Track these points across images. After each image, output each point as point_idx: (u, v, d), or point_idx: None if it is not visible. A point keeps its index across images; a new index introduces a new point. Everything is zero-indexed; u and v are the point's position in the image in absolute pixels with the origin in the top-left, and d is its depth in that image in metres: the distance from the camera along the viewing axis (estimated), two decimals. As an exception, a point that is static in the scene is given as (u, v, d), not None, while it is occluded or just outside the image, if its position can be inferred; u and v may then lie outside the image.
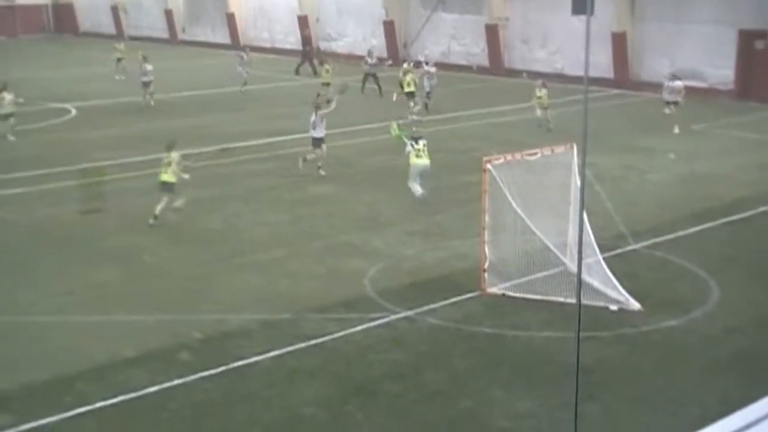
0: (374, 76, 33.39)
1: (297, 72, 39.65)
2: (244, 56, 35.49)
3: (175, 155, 17.64)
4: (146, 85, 31.40)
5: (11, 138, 25.22)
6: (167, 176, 17.54)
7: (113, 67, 38.63)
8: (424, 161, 18.67)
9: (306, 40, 43.27)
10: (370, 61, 33.97)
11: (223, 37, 51.26)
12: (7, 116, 25.34)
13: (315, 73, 38.09)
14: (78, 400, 10.54)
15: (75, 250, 16.10)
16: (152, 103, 31.09)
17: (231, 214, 18.35)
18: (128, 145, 24.50)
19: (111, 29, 57.78)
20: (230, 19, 50.39)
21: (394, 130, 19.13)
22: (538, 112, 26.69)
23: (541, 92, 26.80)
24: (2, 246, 16.48)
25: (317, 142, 21.06)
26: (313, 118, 21.07)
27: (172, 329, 12.54)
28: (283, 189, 20.05)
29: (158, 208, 17.27)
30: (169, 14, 53.99)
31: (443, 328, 12.55)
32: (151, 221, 17.18)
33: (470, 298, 13.57)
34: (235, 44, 50.14)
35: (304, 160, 21.06)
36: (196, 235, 16.99)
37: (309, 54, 40.86)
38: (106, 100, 32.87)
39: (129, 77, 35.75)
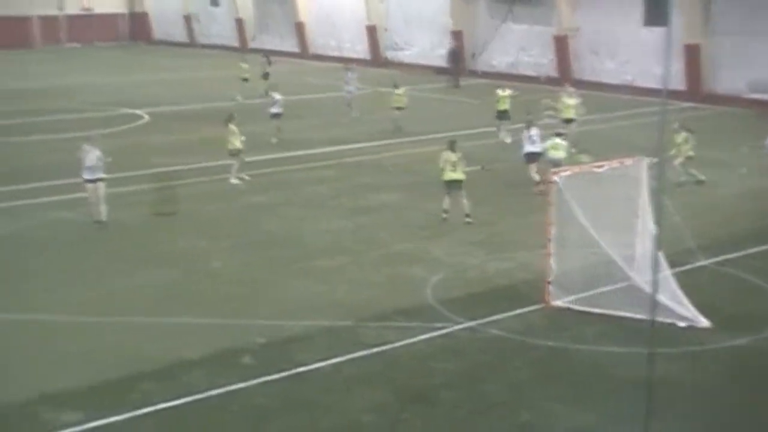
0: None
1: (456, 85, 38.98)
2: (350, 74, 32.36)
3: (459, 154, 18.03)
4: (275, 117, 26.73)
5: (236, 181, 21.38)
6: (457, 174, 17.90)
7: (237, 86, 34.57)
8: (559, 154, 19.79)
9: (455, 54, 40.86)
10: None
11: (291, 45, 51.77)
12: (235, 153, 21.51)
13: (456, 87, 38.49)
14: (142, 399, 10.69)
15: (142, 253, 16.35)
16: (274, 140, 26.14)
17: (294, 220, 18.46)
18: (197, 151, 24.83)
19: (183, 38, 58.88)
20: (299, 27, 50.88)
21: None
22: (677, 162, 20.97)
23: (680, 137, 21.13)
24: (70, 247, 16.83)
25: (533, 156, 20.59)
26: (529, 132, 20.65)
27: (234, 333, 12.64)
28: (344, 196, 20.10)
29: (447, 203, 17.95)
30: (239, 23, 54.76)
31: (505, 339, 12.42)
32: (444, 215, 17.90)
33: (533, 310, 13.42)
34: (303, 52, 50.65)
35: (540, 185, 19.20)
36: (258, 240, 17.13)
37: (457, 68, 39.85)
38: (178, 106, 33.43)
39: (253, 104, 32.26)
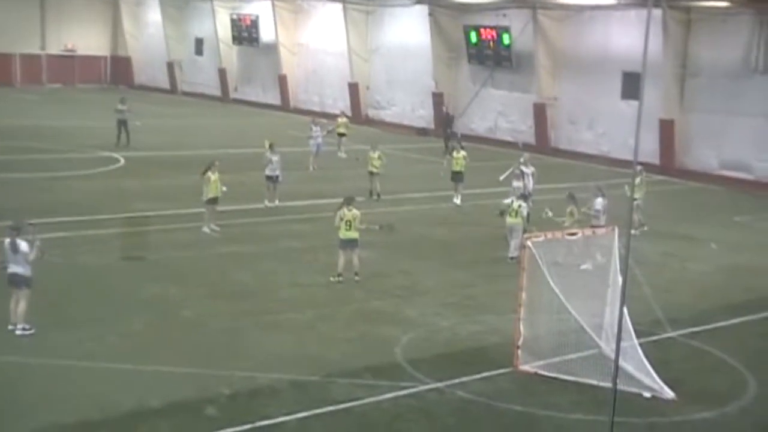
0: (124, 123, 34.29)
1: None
2: (313, 128, 32.01)
3: (356, 212, 17.74)
4: (271, 180, 24.50)
5: (208, 230, 21.16)
6: (352, 233, 17.70)
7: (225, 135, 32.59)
8: (513, 220, 19.82)
9: (446, 119, 40.32)
10: (121, 107, 34.63)
11: (273, 98, 52.11)
12: (210, 202, 21.22)
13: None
14: (101, 446, 10.54)
15: (110, 298, 16.21)
16: (269, 204, 24.53)
17: (267, 272, 18.42)
18: (172, 197, 24.80)
19: (165, 84, 59.13)
20: (282, 80, 51.27)
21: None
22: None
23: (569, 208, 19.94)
24: (39, 287, 16.61)
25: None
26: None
27: (200, 383, 12.51)
28: (320, 251, 20.10)
29: (341, 265, 17.69)
30: (222, 73, 55.12)
31: (473, 402, 12.39)
32: (332, 279, 17.65)
33: (502, 374, 13.42)
34: (284, 105, 50.99)
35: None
36: (230, 290, 17.06)
37: (448, 133, 38.56)
38: (155, 152, 33.45)
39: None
